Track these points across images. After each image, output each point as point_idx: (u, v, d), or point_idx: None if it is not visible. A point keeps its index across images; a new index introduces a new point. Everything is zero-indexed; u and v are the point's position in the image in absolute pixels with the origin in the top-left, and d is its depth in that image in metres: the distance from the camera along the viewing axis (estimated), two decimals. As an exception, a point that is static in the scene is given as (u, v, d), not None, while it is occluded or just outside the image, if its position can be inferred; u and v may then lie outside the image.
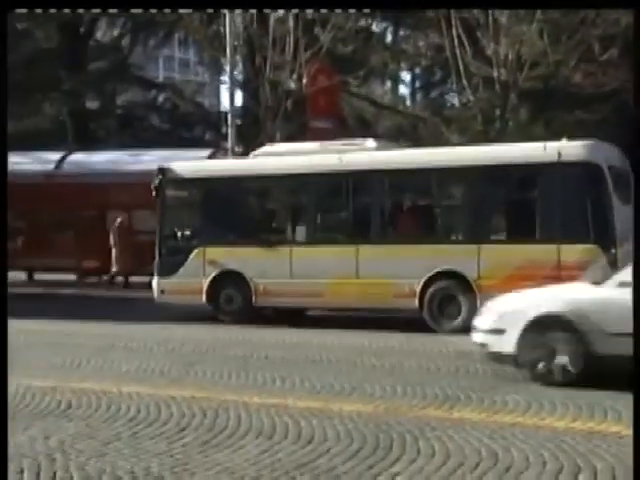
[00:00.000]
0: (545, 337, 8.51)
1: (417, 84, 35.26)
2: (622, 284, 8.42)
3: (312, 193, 14.48)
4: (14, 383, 8.51)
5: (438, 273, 12.96)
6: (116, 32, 30.67)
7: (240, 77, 22.30)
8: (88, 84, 28.25)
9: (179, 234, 15.16)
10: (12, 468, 5.61)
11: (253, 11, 20.09)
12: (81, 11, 25.27)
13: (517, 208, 13.44)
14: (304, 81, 20.25)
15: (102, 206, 20.48)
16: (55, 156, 21.09)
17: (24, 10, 25.04)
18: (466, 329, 12.25)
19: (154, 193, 14.97)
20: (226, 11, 19.49)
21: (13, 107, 28.42)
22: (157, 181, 14.97)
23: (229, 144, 18.88)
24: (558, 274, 11.90)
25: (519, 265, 12.43)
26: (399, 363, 10.01)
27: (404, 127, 30.05)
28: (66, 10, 26.01)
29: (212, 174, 15.16)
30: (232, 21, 19.45)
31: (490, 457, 5.88)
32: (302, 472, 5.56)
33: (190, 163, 16.34)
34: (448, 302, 12.94)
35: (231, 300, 14.46)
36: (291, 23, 20.20)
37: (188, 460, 5.84)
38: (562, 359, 8.42)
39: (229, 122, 19.82)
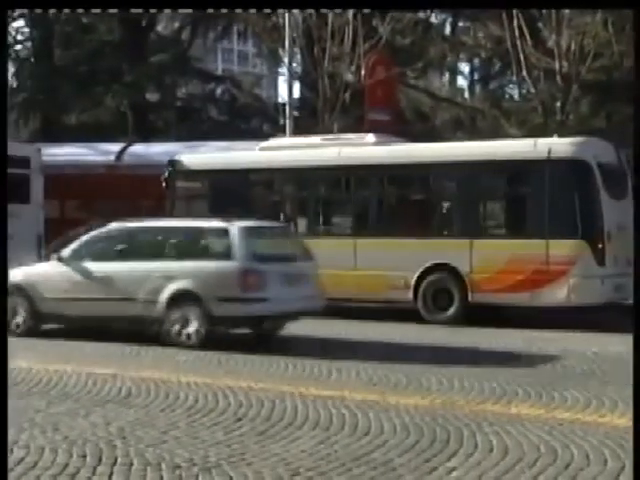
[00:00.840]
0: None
1: (476, 76, 34.92)
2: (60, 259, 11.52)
3: (313, 186, 14.94)
4: (76, 370, 8.78)
5: (432, 266, 13.27)
6: (176, 25, 31.03)
7: (298, 69, 22.34)
8: (149, 76, 28.66)
9: None
10: (75, 452, 5.72)
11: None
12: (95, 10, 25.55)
13: (508, 203, 14.13)
14: (362, 73, 20.19)
15: (161, 197, 20.70)
16: (116, 148, 21.39)
17: (24, 10, 25.60)
18: (458, 321, 12.73)
19: (164, 184, 15.38)
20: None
21: (76, 100, 29.03)
22: (167, 173, 15.39)
23: (287, 136, 18.93)
24: (547, 268, 12.45)
25: (509, 259, 12.76)
26: (458, 357, 9.99)
27: (462, 119, 29.80)
28: (66, 10, 26.57)
29: (219, 167, 15.56)
30: (291, 13, 19.52)
31: (549, 453, 5.79)
32: (358, 464, 5.53)
33: (199, 155, 16.94)
34: (441, 294, 13.27)
35: None
36: (350, 15, 20.17)
37: (245, 450, 5.85)
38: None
39: (287, 114, 19.91)
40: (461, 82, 38.54)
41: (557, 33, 18.97)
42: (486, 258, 12.93)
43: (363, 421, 6.67)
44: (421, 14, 25.82)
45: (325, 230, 14.84)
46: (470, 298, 13.05)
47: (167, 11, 28.73)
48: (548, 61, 19.30)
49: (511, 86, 32.04)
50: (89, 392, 7.84)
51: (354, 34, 20.12)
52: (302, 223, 14.85)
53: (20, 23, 30.87)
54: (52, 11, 28.16)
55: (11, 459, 5.57)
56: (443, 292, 13.27)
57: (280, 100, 34.62)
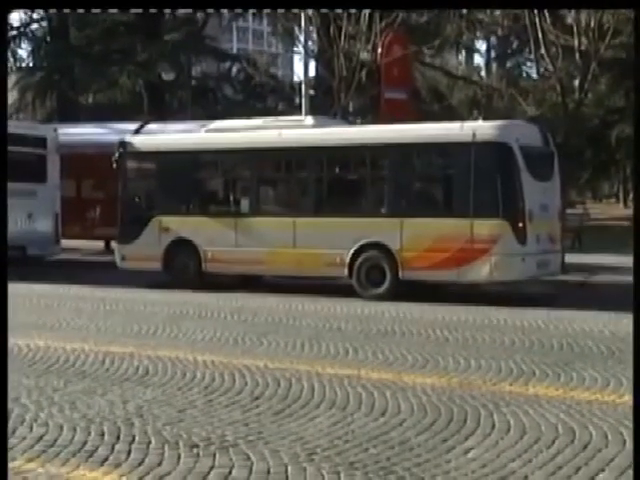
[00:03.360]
0: None
1: (492, 54, 34.67)
2: None
3: (255, 167, 15.41)
4: (93, 348, 8.84)
5: (365, 244, 13.83)
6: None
7: (314, 48, 22.23)
8: (163, 56, 28.64)
9: (138, 204, 16.05)
10: (93, 430, 5.78)
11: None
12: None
13: (437, 184, 14.75)
14: (378, 52, 20.06)
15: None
16: (131, 127, 21.42)
17: (24, 10, 25.59)
18: (390, 296, 13.28)
19: (114, 165, 15.81)
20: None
21: (91, 79, 29.07)
22: (117, 154, 15.85)
23: (302, 115, 18.88)
24: (471, 246, 13.06)
25: (436, 238, 13.37)
26: (472, 337, 9.95)
27: (478, 98, 29.63)
28: (66, 10, 26.55)
29: (167, 148, 16.05)
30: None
31: (567, 434, 5.79)
32: (375, 444, 5.54)
33: (148, 137, 17.69)
34: (374, 271, 13.82)
35: (184, 267, 15.22)
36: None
37: (262, 429, 5.88)
38: None
39: (302, 93, 19.86)
40: (477, 60, 38.26)
41: (576, 10, 18.78)
42: (415, 237, 13.55)
43: (380, 401, 6.68)
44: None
45: (266, 210, 15.33)
46: (401, 275, 13.66)
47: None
48: (567, 38, 19.07)
49: (528, 64, 31.81)
50: (106, 370, 7.89)
51: (370, 12, 20.00)
52: (245, 203, 15.35)
53: (36, 2, 30.88)
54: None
55: (30, 436, 5.66)
56: (376, 269, 13.83)
57: (295, 79, 34.56)
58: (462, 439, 5.68)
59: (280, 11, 22.38)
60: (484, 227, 13.04)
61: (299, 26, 20.78)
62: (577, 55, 18.84)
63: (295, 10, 20.85)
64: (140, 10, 26.27)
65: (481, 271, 13.12)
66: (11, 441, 5.52)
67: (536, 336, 9.93)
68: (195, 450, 5.38)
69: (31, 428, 5.85)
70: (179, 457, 5.27)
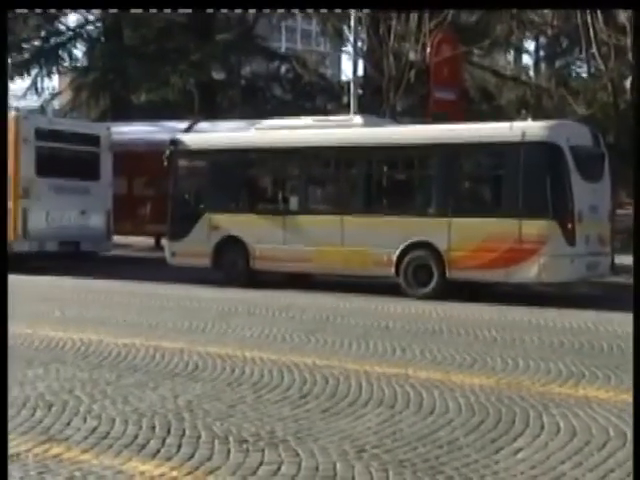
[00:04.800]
0: None
1: (541, 54, 34.33)
2: None
3: (304, 165, 15.52)
4: (144, 343, 8.97)
5: (413, 244, 13.93)
6: (242, 4, 31.18)
7: (363, 47, 22.26)
8: (215, 56, 28.97)
9: (188, 201, 16.28)
10: (145, 424, 5.85)
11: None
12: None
13: (485, 184, 14.86)
14: (427, 51, 20.04)
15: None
16: (182, 126, 21.72)
17: (24, 10, 25.98)
18: (437, 295, 13.25)
19: (165, 162, 16.03)
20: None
21: (144, 79, 29.51)
22: (168, 151, 16.08)
23: (351, 114, 18.93)
24: (520, 247, 13.07)
25: (484, 238, 13.38)
26: (520, 337, 9.90)
27: (527, 98, 29.36)
28: (68, 10, 26.77)
29: (217, 146, 16.24)
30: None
31: (618, 437, 5.72)
32: (424, 443, 5.53)
33: (199, 135, 18.01)
34: (421, 270, 13.92)
35: (233, 264, 15.37)
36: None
37: (311, 426, 5.90)
38: None
39: (351, 92, 19.93)
40: (526, 60, 37.88)
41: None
42: (463, 236, 13.58)
43: (428, 400, 6.68)
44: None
45: (314, 208, 15.45)
46: (448, 274, 13.72)
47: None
48: (619, 38, 18.85)
49: (578, 64, 31.42)
50: (157, 365, 7.97)
51: (420, 13, 19.98)
52: (293, 201, 15.50)
53: (92, 4, 31.46)
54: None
55: (84, 428, 5.76)
56: (423, 268, 13.91)
57: (344, 78, 34.59)
58: (511, 440, 5.63)
59: (327, 11, 22.45)
60: (533, 227, 13.01)
61: (349, 26, 20.85)
62: (629, 55, 18.61)
63: (344, 10, 20.92)
64: (140, 10, 26.76)
65: (529, 272, 13.08)
66: (66, 432, 5.64)
67: (585, 338, 9.85)
68: (244, 445, 5.39)
69: (85, 420, 5.94)
70: (229, 452, 5.29)
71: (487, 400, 6.67)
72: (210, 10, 26.44)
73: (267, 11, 21.13)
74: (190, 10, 26.71)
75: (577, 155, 13.25)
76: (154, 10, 26.74)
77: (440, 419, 6.13)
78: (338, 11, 22.25)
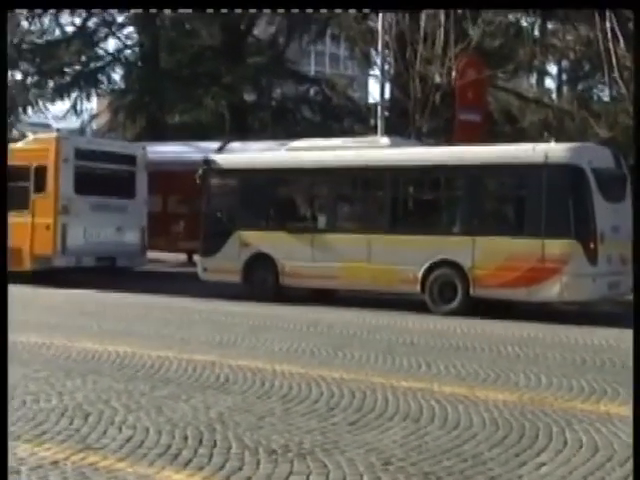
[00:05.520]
0: None
1: (564, 77, 34.43)
2: None
3: (332, 185, 15.80)
4: (177, 356, 9.13)
5: (438, 262, 14.16)
6: (273, 29, 31.70)
7: (390, 71, 22.53)
8: (246, 78, 29.46)
9: (220, 218, 16.55)
10: (177, 434, 5.96)
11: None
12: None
13: (508, 204, 15.07)
14: (453, 75, 20.27)
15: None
16: (214, 146, 22.07)
17: (24, 10, 26.53)
18: (461, 312, 13.47)
19: (198, 181, 16.37)
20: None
21: (178, 101, 30.13)
22: (201, 171, 16.43)
23: (378, 135, 19.16)
24: (542, 266, 13.25)
25: (508, 257, 13.59)
26: (543, 354, 10.01)
27: (550, 120, 29.42)
28: (67, 10, 27.29)
29: (249, 166, 16.58)
30: (385, 17, 19.84)
31: (640, 452, 5.81)
32: (449, 456, 5.60)
33: (231, 155, 18.47)
34: (446, 287, 14.14)
35: (263, 280, 15.65)
36: (442, 18, 20.35)
37: (338, 438, 5.97)
38: None
39: (378, 114, 20.18)
40: (549, 84, 37.97)
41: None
42: (487, 255, 13.79)
43: (452, 414, 6.76)
44: (511, 17, 25.68)
45: (342, 226, 15.70)
46: (472, 292, 13.91)
47: (265, 16, 29.66)
48: (640, 62, 18.92)
49: (600, 87, 31.46)
50: (189, 377, 8.12)
51: (446, 37, 20.24)
52: (322, 219, 15.84)
53: (130, 29, 32.26)
54: (159, 18, 29.46)
55: (119, 437, 5.89)
56: (448, 285, 14.12)
57: (371, 100, 34.81)
58: (534, 454, 5.69)
59: (359, 36, 22.82)
60: (555, 247, 13.16)
61: (376, 50, 21.16)
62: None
63: (373, 35, 21.24)
64: (140, 10, 27.23)
65: (552, 291, 13.22)
66: (102, 441, 5.78)
67: (607, 355, 9.92)
68: (274, 456, 5.46)
69: (120, 429, 6.07)
70: (258, 462, 5.36)
71: (511, 415, 6.75)
72: (210, 10, 26.90)
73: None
74: (190, 10, 27.19)
75: (599, 177, 13.40)
76: (154, 10, 27.30)
77: (464, 433, 6.21)
78: (367, 36, 22.58)
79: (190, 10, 26.98)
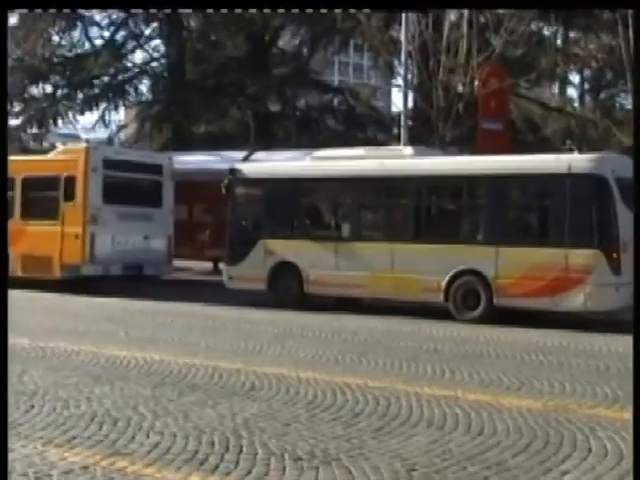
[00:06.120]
0: None
1: (586, 86, 34.37)
2: None
3: (356, 194, 15.90)
4: (204, 363, 9.23)
5: (461, 271, 14.20)
6: (297, 40, 31.97)
7: (413, 80, 22.61)
8: (271, 89, 29.68)
9: (245, 227, 16.70)
10: (204, 440, 6.03)
11: (429, 17, 20.47)
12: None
13: (532, 214, 15.09)
14: (476, 84, 20.32)
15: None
16: (239, 155, 22.25)
17: (24, 10, 26.95)
18: (484, 320, 13.59)
19: (224, 190, 16.52)
20: (403, 19, 19.97)
21: (204, 111, 30.48)
22: (227, 180, 16.57)
23: (401, 144, 19.24)
24: (565, 276, 13.28)
25: (531, 266, 13.63)
26: (567, 361, 10.03)
27: (572, 129, 29.36)
28: (66, 10, 27.69)
29: (273, 175, 16.71)
30: (408, 27, 19.95)
31: (665, 459, 5.80)
32: (473, 463, 5.62)
33: (255, 164, 18.50)
34: (469, 295, 14.20)
35: (287, 288, 15.76)
36: (465, 28, 20.44)
37: (363, 445, 6.01)
38: None
39: (402, 123, 20.27)
40: (571, 92, 37.90)
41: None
42: (510, 265, 13.83)
43: (476, 421, 6.79)
44: (533, 26, 25.70)
45: (366, 235, 15.78)
46: (495, 301, 13.98)
47: (289, 28, 29.94)
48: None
49: (622, 95, 31.37)
50: (216, 384, 8.21)
51: (468, 46, 20.32)
52: (346, 228, 15.91)
53: (157, 42, 32.68)
54: (185, 30, 29.84)
55: (147, 443, 5.98)
56: (471, 293, 14.19)
57: (394, 110, 34.99)
58: (559, 462, 5.71)
59: (382, 46, 22.95)
60: (579, 257, 13.19)
61: (399, 60, 21.28)
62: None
63: (397, 45, 21.37)
64: (140, 10, 27.48)
65: (575, 300, 13.25)
66: (130, 447, 5.86)
67: (631, 362, 9.90)
68: (299, 463, 5.51)
69: (148, 435, 6.15)
70: (284, 469, 5.40)
71: (535, 422, 6.77)
72: (210, 10, 27.18)
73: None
74: (190, 10, 27.46)
75: (622, 186, 13.37)
76: (154, 10, 27.59)
77: (489, 440, 6.23)
78: (390, 46, 22.71)
79: (190, 10, 27.29)
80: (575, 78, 34.86)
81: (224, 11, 25.80)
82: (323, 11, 23.34)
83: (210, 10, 26.54)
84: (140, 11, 30.26)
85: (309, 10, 22.81)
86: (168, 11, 29.28)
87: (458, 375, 8.98)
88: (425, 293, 14.55)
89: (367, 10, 21.77)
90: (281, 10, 24.14)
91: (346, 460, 5.64)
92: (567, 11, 21.72)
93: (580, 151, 14.68)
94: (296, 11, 24.18)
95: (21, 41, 30.23)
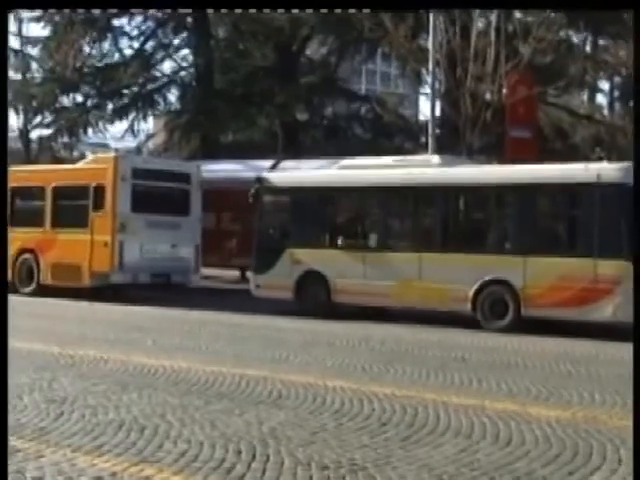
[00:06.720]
0: None
1: (616, 93, 34.13)
2: None
3: (383, 204, 15.98)
4: (230, 371, 9.25)
5: (489, 281, 14.19)
6: (325, 49, 32.12)
7: (441, 88, 22.61)
8: (298, 98, 29.85)
9: (272, 236, 16.79)
10: (231, 448, 6.03)
11: (457, 26, 20.46)
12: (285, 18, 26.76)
13: (560, 224, 15.23)
14: (504, 92, 20.28)
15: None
16: (266, 164, 22.36)
17: (24, 9, 27.24)
18: (512, 329, 13.56)
19: (251, 199, 16.62)
20: (431, 27, 19.97)
21: (232, 120, 30.75)
22: (254, 188, 16.67)
23: (428, 152, 19.22)
24: (594, 286, 13.24)
25: (559, 276, 13.60)
26: (596, 371, 9.96)
27: (602, 136, 29.17)
28: (96, 10, 28.15)
29: (301, 184, 16.78)
30: (436, 36, 19.96)
31: (697, 471, 5.72)
32: (501, 473, 5.58)
33: (283, 173, 18.59)
34: (497, 304, 14.18)
35: (314, 296, 15.80)
36: (492, 36, 20.42)
37: (390, 454, 5.98)
38: None
39: (429, 132, 20.26)
40: (600, 99, 37.65)
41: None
42: (538, 275, 13.79)
43: (505, 431, 6.74)
44: (562, 33, 25.60)
45: (393, 244, 15.79)
46: (523, 311, 13.95)
47: (317, 37, 30.20)
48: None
49: (653, 103, 31.08)
50: (242, 392, 8.21)
51: (496, 54, 20.29)
52: (373, 237, 15.90)
53: (185, 51, 33.03)
54: (213, 39, 30.25)
55: (175, 451, 5.98)
56: (499, 302, 14.17)
57: (422, 118, 34.98)
58: (588, 473, 5.65)
59: (410, 55, 23.01)
60: (608, 267, 13.11)
61: (426, 68, 21.31)
62: None
63: (424, 54, 21.41)
64: (140, 10, 27.66)
65: (604, 311, 13.17)
66: (158, 454, 5.87)
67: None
68: (326, 472, 5.48)
69: (175, 443, 6.16)
70: (311, 478, 5.38)
71: (564, 433, 6.71)
72: (210, 10, 27.25)
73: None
74: (190, 10, 27.62)
75: None
76: (154, 10, 27.78)
77: (517, 450, 6.18)
78: (418, 55, 22.72)
79: (190, 10, 27.50)
80: (605, 85, 34.69)
81: (251, 19, 26.01)
82: (340, 14, 23.43)
83: (211, 10, 26.68)
84: (169, 21, 30.62)
85: (324, 10, 22.96)
86: (189, 20, 29.61)
87: (486, 384, 8.93)
88: (453, 302, 14.51)
89: (391, 17, 21.77)
90: (308, 10, 24.33)
91: (373, 469, 5.63)
92: (567, 12, 21.52)
93: (609, 160, 14.61)
94: (318, 17, 24.28)
95: (53, 52, 30.64)
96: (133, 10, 29.62)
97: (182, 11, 28.30)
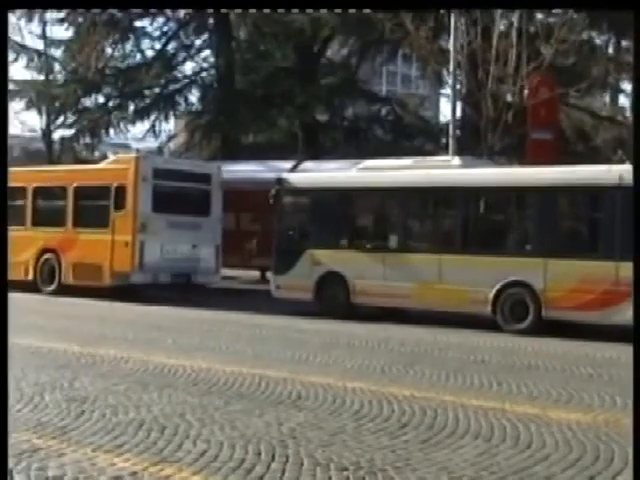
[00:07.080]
0: None
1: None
2: None
3: (403, 205, 15.90)
4: (250, 372, 9.26)
5: (509, 283, 14.11)
6: (346, 50, 32.15)
7: (462, 90, 22.57)
8: (319, 99, 29.93)
9: (292, 237, 16.77)
10: (251, 449, 6.04)
11: (478, 28, 20.41)
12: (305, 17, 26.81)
13: (581, 226, 15.02)
14: (525, 93, 20.20)
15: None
16: (287, 165, 22.39)
17: (24, 9, 27.36)
18: (532, 332, 13.47)
19: (271, 200, 16.62)
20: (452, 28, 19.94)
21: (252, 121, 30.90)
22: (274, 189, 16.67)
23: (449, 154, 19.18)
24: (616, 289, 13.14)
25: (581, 279, 13.53)
26: (617, 374, 9.87)
27: (624, 138, 28.99)
28: (80, 10, 28.31)
29: (321, 185, 16.79)
30: (457, 37, 19.93)
31: None
32: (521, 477, 5.55)
33: (303, 174, 18.60)
34: (517, 306, 14.11)
35: (334, 297, 15.80)
36: (514, 38, 20.36)
37: (409, 456, 5.98)
38: None
39: (450, 133, 20.22)
40: (623, 101, 37.41)
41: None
42: (559, 277, 13.74)
43: (525, 434, 6.72)
44: (584, 35, 25.45)
45: (413, 246, 15.76)
46: (544, 314, 13.88)
47: (337, 38, 30.19)
48: None
49: (675, 104, 30.85)
50: (262, 393, 8.22)
51: (518, 56, 20.22)
52: (393, 239, 15.83)
53: (206, 52, 33.14)
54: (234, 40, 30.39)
55: (194, 451, 6.00)
56: (519, 304, 14.09)
57: (442, 120, 34.93)
58: (609, 477, 5.61)
59: (431, 56, 22.99)
60: (630, 270, 12.85)
61: (447, 70, 21.28)
62: None
63: (445, 55, 21.40)
64: (140, 10, 27.71)
65: (626, 314, 12.92)
66: (177, 454, 5.89)
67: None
68: (345, 473, 5.48)
69: (195, 443, 6.18)
70: (330, 479, 5.41)
71: (584, 436, 6.67)
72: (210, 10, 27.26)
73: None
74: (190, 10, 27.66)
75: None
76: (154, 10, 27.87)
77: (537, 454, 6.15)
78: (439, 56, 22.71)
79: (190, 10, 27.58)
80: (627, 87, 34.44)
81: (272, 20, 26.09)
82: (360, 15, 23.46)
83: (211, 10, 26.75)
84: (191, 22, 30.76)
85: (337, 10, 23.02)
86: (211, 21, 29.70)
87: (506, 387, 8.90)
88: (472, 304, 14.48)
89: (412, 18, 21.76)
90: (323, 10, 24.45)
91: (392, 471, 5.62)
92: (566, 12, 21.36)
93: (631, 161, 14.48)
94: (338, 19, 24.32)
95: (76, 53, 30.86)
96: (152, 11, 29.74)
97: (201, 12, 28.41)
